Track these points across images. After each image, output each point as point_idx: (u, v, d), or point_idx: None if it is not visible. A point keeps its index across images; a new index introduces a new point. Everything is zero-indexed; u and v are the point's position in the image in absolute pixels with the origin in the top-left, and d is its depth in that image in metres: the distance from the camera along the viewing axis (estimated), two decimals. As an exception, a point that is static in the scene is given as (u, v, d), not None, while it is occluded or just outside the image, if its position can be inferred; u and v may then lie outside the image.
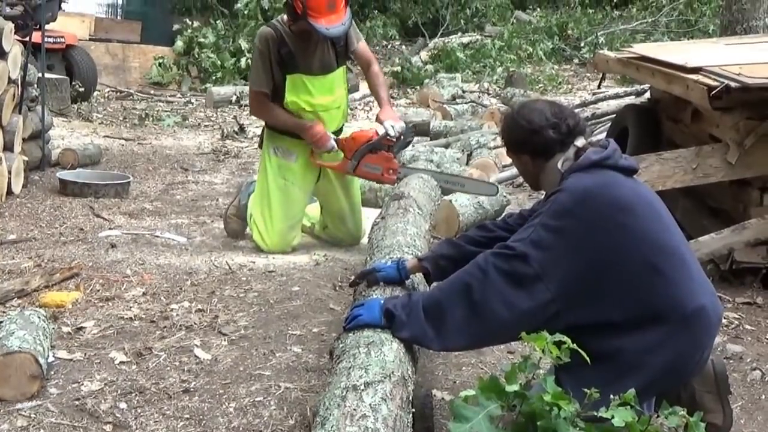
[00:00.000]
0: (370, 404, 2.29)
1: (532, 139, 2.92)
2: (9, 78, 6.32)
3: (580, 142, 2.91)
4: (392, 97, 5.37)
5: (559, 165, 2.89)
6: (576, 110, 5.12)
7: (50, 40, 10.38)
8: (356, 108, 12.25)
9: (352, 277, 3.62)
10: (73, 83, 11.44)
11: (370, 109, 12.12)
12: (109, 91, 13.61)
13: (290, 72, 4.99)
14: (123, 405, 3.09)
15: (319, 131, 5.03)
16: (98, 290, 4.32)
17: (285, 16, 5.02)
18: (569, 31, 18.34)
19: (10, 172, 6.27)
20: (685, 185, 5.12)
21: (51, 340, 3.49)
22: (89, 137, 9.48)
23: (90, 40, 14.36)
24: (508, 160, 6.12)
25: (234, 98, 12.86)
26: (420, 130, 9.51)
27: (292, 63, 4.99)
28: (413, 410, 2.55)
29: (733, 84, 4.59)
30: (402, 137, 5.07)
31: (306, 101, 5.04)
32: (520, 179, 6.88)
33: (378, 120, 5.12)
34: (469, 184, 5.42)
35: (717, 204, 5.49)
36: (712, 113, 5.03)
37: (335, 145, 5.10)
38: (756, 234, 4.82)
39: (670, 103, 6.05)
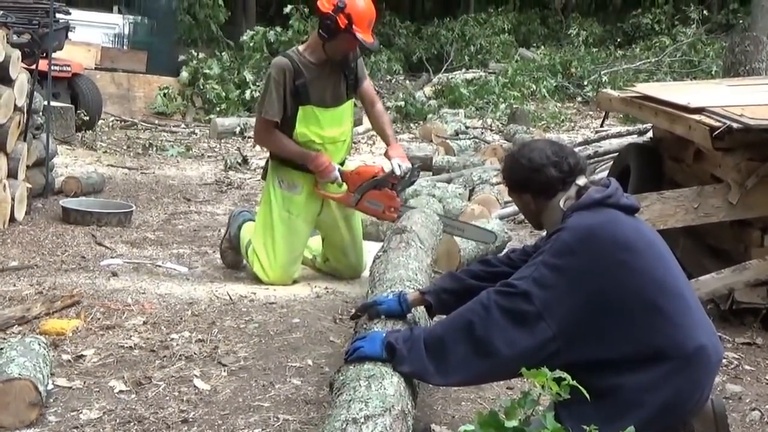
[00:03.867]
0: (369, 438, 2.29)
1: (533, 177, 2.93)
2: (15, 105, 6.35)
3: (581, 180, 2.93)
4: (395, 132, 5.50)
5: (561, 204, 2.89)
6: (577, 149, 5.16)
7: (56, 68, 10.41)
8: (360, 141, 12.29)
9: (353, 310, 3.61)
10: (78, 112, 11.49)
11: (374, 143, 12.17)
12: (113, 120, 13.66)
13: (303, 103, 5.04)
14: (121, 434, 3.09)
15: (324, 162, 5.05)
16: (99, 318, 4.32)
17: (301, 47, 5.12)
18: (573, 70, 18.43)
19: (13, 199, 6.29)
20: (686, 225, 5.13)
21: (51, 367, 3.49)
22: (93, 166, 9.53)
23: (96, 69, 14.42)
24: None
25: (238, 129, 12.90)
26: (422, 164, 9.54)
27: (305, 95, 5.03)
28: (412, 445, 2.54)
29: (735, 125, 4.62)
30: (407, 177, 5.10)
31: (315, 133, 5.08)
32: (522, 216, 6.89)
33: (387, 156, 5.17)
34: (468, 230, 5.42)
35: (718, 244, 5.50)
36: (714, 153, 5.06)
37: (339, 176, 5.12)
38: (756, 274, 4.82)
39: (673, 142, 6.08)
